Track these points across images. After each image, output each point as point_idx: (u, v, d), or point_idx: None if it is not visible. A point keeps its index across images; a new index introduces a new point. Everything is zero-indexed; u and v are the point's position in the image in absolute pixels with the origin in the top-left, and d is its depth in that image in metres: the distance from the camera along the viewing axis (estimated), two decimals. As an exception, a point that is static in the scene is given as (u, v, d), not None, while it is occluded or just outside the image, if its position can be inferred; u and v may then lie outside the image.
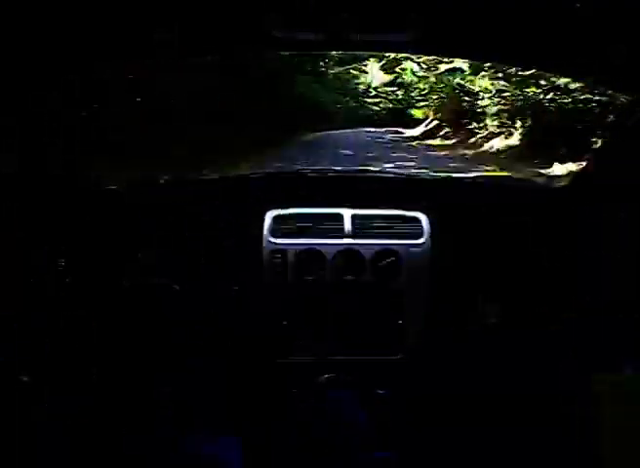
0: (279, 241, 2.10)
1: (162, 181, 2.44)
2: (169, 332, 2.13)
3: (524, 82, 11.54)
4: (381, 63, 20.23)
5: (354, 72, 21.97)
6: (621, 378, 1.78)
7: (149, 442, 1.90)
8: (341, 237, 2.11)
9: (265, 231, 2.11)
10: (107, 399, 1.99)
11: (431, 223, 2.13)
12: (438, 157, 13.60)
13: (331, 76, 21.26)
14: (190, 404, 2.13)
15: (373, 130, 21.36)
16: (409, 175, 2.93)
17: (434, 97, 19.36)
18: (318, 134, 18.54)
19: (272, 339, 2.11)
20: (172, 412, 2.07)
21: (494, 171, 10.34)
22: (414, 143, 17.45)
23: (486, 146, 14.17)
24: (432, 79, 17.97)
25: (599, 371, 1.90)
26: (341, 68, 21.06)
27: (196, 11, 1.74)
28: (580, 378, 2.02)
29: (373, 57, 19.09)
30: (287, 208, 2.17)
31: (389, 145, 16.31)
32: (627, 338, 1.91)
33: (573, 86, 10.09)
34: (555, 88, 10.88)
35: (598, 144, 2.33)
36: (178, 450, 1.84)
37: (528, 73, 10.54)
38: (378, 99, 24.03)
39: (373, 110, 25.05)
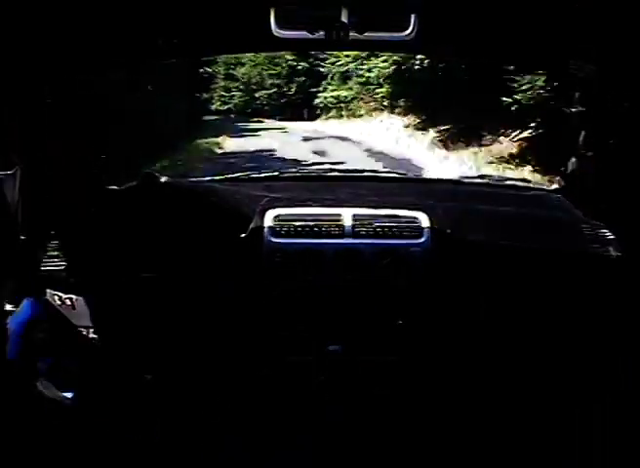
0: (279, 241, 2.10)
1: (162, 180, 2.44)
2: (167, 332, 2.13)
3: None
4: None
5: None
6: None
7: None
8: (341, 237, 2.11)
9: (265, 231, 2.11)
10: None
11: (431, 223, 2.13)
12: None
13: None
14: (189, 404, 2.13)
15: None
16: (409, 175, 2.94)
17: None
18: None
19: (272, 339, 2.12)
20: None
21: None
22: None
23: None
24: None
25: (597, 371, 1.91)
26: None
27: (196, 11, 1.74)
28: (579, 379, 2.03)
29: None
30: (287, 208, 2.18)
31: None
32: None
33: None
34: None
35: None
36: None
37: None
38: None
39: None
